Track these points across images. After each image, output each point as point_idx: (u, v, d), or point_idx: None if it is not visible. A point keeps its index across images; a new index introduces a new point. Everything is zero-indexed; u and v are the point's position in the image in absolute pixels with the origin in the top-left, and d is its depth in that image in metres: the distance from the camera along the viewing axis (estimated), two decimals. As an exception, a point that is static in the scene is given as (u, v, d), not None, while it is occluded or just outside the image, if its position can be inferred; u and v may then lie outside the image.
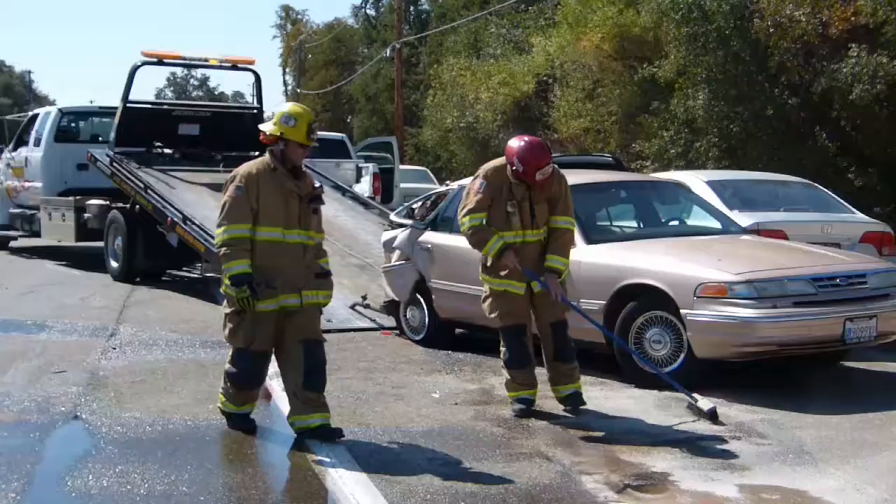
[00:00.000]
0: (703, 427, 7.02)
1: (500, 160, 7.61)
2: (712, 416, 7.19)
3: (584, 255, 8.79)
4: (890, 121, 19.61)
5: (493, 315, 7.61)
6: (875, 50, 19.31)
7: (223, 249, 6.65)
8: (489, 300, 7.62)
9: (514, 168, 7.39)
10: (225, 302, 6.82)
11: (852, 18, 19.87)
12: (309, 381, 6.65)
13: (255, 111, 17.82)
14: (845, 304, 8.09)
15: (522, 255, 7.46)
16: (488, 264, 7.55)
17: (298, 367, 6.66)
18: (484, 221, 7.50)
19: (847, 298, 8.15)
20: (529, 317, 7.60)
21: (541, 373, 7.64)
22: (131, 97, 16.29)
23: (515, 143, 7.45)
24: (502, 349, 7.60)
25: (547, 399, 7.91)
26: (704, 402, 7.33)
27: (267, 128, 6.78)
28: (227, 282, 6.64)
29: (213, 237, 12.94)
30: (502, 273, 7.47)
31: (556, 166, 7.59)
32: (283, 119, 6.69)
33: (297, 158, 6.76)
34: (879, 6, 19.01)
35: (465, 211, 7.58)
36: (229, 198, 6.67)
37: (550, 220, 7.56)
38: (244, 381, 6.86)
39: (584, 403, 7.57)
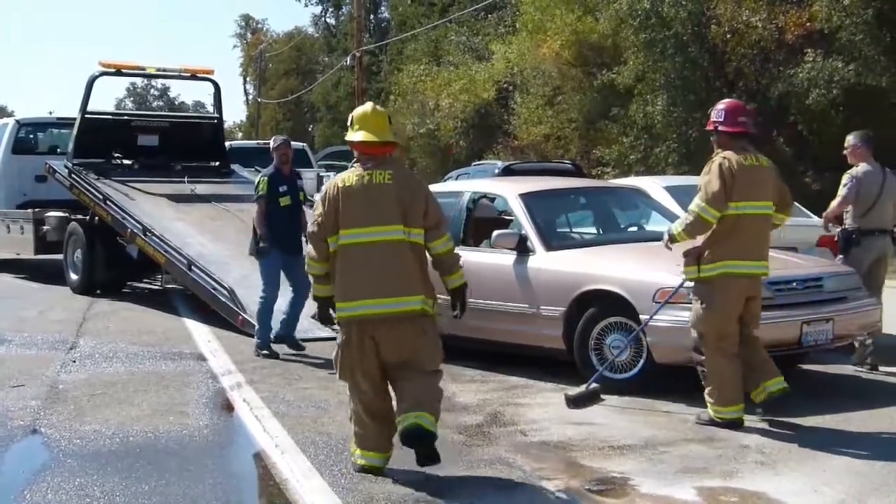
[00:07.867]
0: (663, 432, 7.07)
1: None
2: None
3: (544, 261, 8.85)
4: (846, 125, 19.86)
5: None
6: (830, 55, 19.58)
7: None
8: None
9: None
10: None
11: (807, 24, 20.16)
12: None
13: (214, 121, 17.75)
14: (802, 307, 8.17)
15: None
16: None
17: None
18: None
19: (804, 302, 8.24)
20: None
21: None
22: (90, 108, 16.18)
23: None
24: None
25: (509, 406, 7.94)
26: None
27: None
28: None
29: (173, 249, 13.03)
30: None
31: None
32: None
33: None
34: (834, 12, 19.26)
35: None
36: None
37: None
38: None
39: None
